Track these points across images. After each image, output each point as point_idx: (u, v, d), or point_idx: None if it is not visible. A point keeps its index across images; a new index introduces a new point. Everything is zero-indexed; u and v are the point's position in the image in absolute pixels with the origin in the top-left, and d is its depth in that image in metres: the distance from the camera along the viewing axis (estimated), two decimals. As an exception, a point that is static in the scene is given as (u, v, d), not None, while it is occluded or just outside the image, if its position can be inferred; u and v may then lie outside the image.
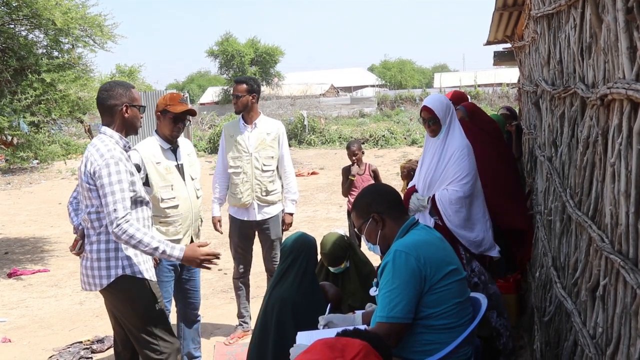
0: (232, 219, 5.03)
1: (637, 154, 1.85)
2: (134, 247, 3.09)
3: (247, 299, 5.22)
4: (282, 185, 5.06)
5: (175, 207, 4.11)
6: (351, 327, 2.21)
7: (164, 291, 4.13)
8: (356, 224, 2.88)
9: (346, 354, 1.85)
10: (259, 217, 4.92)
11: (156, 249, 3.10)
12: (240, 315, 5.21)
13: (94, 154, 3.14)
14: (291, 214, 5.05)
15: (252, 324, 5.31)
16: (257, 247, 5.15)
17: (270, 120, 5.04)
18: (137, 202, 3.27)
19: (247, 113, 4.89)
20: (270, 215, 4.95)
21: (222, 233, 5.16)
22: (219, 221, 5.08)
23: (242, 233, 5.00)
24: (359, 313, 3.13)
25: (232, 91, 4.97)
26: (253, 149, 4.84)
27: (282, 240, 5.03)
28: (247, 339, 4.95)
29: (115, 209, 3.05)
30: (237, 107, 4.89)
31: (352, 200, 6.20)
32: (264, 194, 4.87)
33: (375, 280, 2.82)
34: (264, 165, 4.84)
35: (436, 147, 3.95)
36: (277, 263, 4.96)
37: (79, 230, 3.35)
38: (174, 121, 4.08)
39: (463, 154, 3.83)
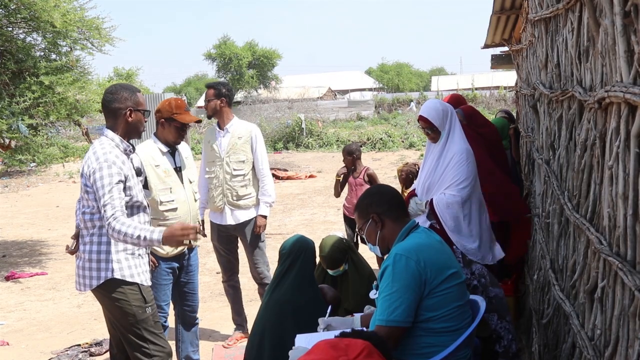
0: (211, 223, 5.04)
1: (635, 156, 1.86)
2: (124, 241, 3.06)
3: (240, 301, 5.21)
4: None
5: (174, 210, 4.12)
6: (351, 329, 2.22)
7: (161, 294, 4.14)
8: (357, 223, 2.92)
9: (350, 352, 1.86)
10: (232, 222, 4.90)
11: (139, 237, 3.01)
12: (235, 318, 5.21)
13: (91, 157, 3.17)
14: (264, 217, 4.93)
15: (250, 326, 5.32)
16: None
17: (243, 124, 5.00)
18: (134, 207, 3.28)
19: (219, 118, 4.90)
20: (244, 220, 4.91)
21: (205, 236, 5.11)
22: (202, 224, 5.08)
23: (221, 237, 5.02)
24: (357, 316, 3.14)
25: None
26: (225, 153, 4.83)
27: (263, 244, 5.03)
28: (244, 342, 4.96)
29: (105, 210, 3.07)
30: (207, 112, 4.94)
31: (346, 204, 6.21)
32: (235, 198, 4.84)
33: (375, 282, 2.83)
34: (234, 170, 4.81)
35: (436, 151, 3.94)
36: (261, 269, 5.01)
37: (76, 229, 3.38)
38: (179, 129, 4.12)
39: (462, 159, 3.82)
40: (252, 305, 5.55)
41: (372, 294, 2.83)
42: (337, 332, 2.46)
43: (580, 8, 2.59)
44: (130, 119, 3.28)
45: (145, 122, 3.40)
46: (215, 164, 4.85)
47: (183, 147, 4.34)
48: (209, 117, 4.97)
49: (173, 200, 4.09)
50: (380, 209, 2.80)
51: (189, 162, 4.33)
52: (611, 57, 2.04)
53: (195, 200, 4.29)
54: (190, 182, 4.26)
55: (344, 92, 52.76)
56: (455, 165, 3.82)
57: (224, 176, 4.83)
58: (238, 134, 4.86)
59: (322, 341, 2.00)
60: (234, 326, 5.23)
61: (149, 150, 4.14)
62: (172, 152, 4.20)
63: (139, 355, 3.33)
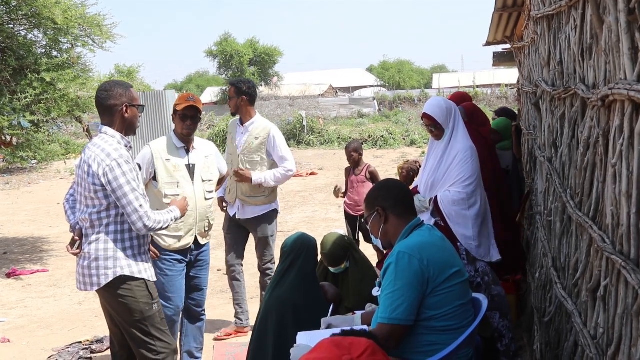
0: (226, 213, 5.18)
1: (639, 155, 1.85)
2: (160, 229, 3.38)
3: (242, 294, 5.25)
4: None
5: None
6: (354, 327, 2.21)
7: (170, 285, 4.16)
8: (365, 214, 2.97)
9: (353, 351, 1.86)
10: (242, 216, 5.00)
11: (171, 219, 3.43)
12: (236, 311, 5.25)
13: (99, 155, 3.15)
14: (249, 176, 4.83)
15: (252, 322, 5.33)
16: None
17: (263, 123, 5.05)
18: None
19: (241, 115, 5.03)
20: (254, 215, 5.00)
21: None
22: (223, 201, 5.19)
23: (231, 227, 5.14)
24: (358, 314, 3.13)
25: None
26: (241, 150, 4.95)
27: (272, 239, 5.12)
28: (245, 339, 4.95)
29: (141, 205, 3.18)
30: (230, 109, 5.11)
31: (347, 201, 6.22)
32: (244, 195, 4.94)
33: (377, 280, 2.83)
34: (248, 167, 4.91)
35: (440, 149, 3.93)
36: (267, 261, 5.10)
37: (76, 229, 3.36)
38: (182, 119, 4.19)
39: (466, 156, 3.80)
40: (254, 303, 5.55)
41: (375, 292, 2.83)
42: (338, 330, 2.46)
43: (583, 5, 2.58)
44: (126, 114, 3.28)
45: (140, 117, 3.41)
46: (232, 158, 5.00)
47: (205, 146, 4.41)
48: (233, 114, 5.13)
49: (178, 195, 4.11)
50: (385, 203, 2.82)
51: (209, 161, 4.35)
52: (615, 55, 2.03)
53: (207, 199, 4.29)
54: (204, 181, 4.27)
55: (345, 89, 52.74)
56: (459, 163, 3.80)
57: None
58: (256, 134, 4.96)
59: (326, 340, 1.99)
60: (235, 319, 5.28)
61: (163, 144, 4.24)
62: (187, 148, 4.25)
63: (144, 352, 3.33)
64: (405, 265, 2.53)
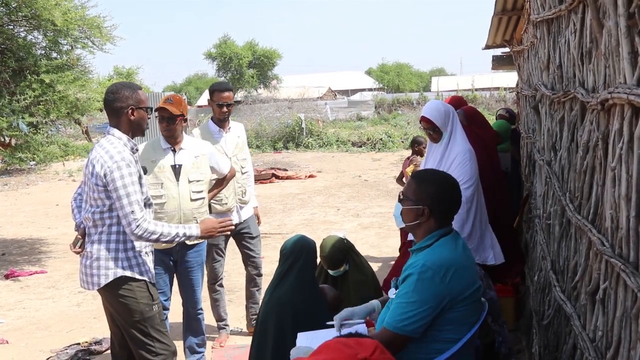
0: None
1: (638, 158, 1.86)
2: (155, 240, 3.24)
3: (225, 301, 5.23)
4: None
5: (161, 204, 4.14)
6: (354, 331, 2.21)
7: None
8: (405, 194, 2.70)
9: (363, 350, 1.83)
10: (238, 219, 4.98)
11: (177, 235, 3.29)
12: (220, 319, 5.18)
13: (103, 156, 3.16)
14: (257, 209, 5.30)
15: (243, 325, 5.36)
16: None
17: (236, 123, 5.09)
18: (145, 204, 3.29)
19: (227, 119, 4.88)
20: (248, 215, 5.07)
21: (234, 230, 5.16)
22: None
23: (226, 237, 4.95)
24: (376, 301, 3.03)
25: (218, 98, 4.78)
26: (231, 152, 4.85)
27: (260, 237, 5.19)
28: (242, 341, 4.96)
29: (132, 211, 3.13)
30: (227, 115, 4.82)
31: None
32: (243, 195, 4.97)
33: (394, 280, 2.76)
34: (242, 167, 4.93)
35: (438, 152, 3.94)
36: (258, 257, 5.14)
37: (80, 228, 3.37)
38: (159, 121, 4.22)
39: (465, 158, 3.82)
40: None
41: (391, 293, 2.75)
42: (337, 332, 2.46)
43: (583, 9, 2.59)
44: (132, 117, 3.28)
45: (149, 119, 3.41)
46: None
47: (197, 145, 4.36)
48: (224, 120, 4.84)
49: (162, 196, 4.12)
50: (436, 207, 2.62)
51: (200, 161, 4.30)
52: (614, 59, 2.04)
53: (193, 200, 4.25)
54: (190, 182, 4.23)
55: (344, 92, 52.77)
56: (459, 165, 3.81)
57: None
58: (237, 133, 4.97)
59: (331, 340, 1.98)
60: (234, 325, 5.27)
61: (150, 145, 4.25)
62: (174, 149, 4.23)
63: (143, 353, 3.33)
64: (426, 281, 2.45)
